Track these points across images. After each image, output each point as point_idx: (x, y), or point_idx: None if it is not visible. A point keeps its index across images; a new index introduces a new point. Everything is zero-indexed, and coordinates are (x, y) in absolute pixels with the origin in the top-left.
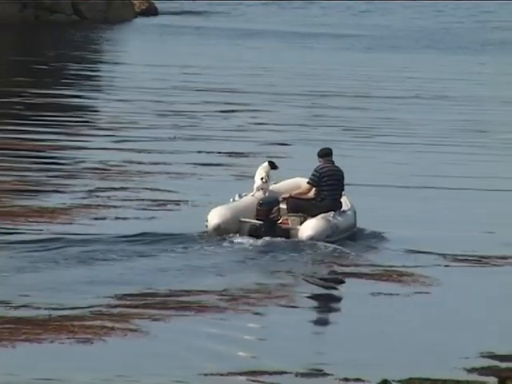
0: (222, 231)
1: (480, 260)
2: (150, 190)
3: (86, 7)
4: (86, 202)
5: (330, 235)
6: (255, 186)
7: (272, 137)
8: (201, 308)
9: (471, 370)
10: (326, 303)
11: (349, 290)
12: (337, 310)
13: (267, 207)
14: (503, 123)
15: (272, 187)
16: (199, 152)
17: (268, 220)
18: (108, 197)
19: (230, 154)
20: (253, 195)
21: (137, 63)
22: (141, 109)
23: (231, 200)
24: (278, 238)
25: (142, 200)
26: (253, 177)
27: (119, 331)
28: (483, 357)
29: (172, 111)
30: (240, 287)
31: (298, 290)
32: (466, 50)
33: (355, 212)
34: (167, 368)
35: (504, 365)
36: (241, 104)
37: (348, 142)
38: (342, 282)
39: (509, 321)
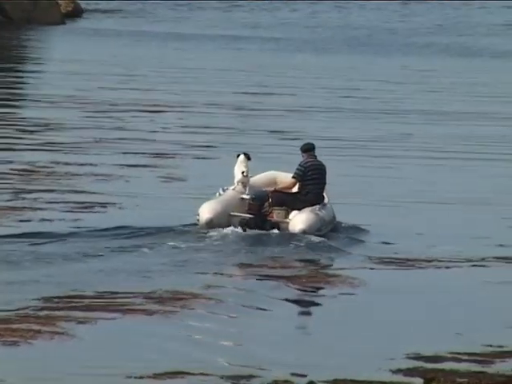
0: (213, 225)
1: (405, 262)
2: (77, 191)
3: (10, 7)
4: (11, 204)
5: (319, 228)
6: (236, 179)
7: (198, 139)
8: (128, 310)
9: (397, 371)
10: (252, 304)
11: (277, 290)
12: (263, 310)
13: (259, 202)
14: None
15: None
16: (125, 153)
17: (259, 214)
18: (34, 199)
19: (157, 156)
20: (234, 189)
21: (61, 63)
22: (67, 110)
23: (217, 194)
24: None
25: (68, 202)
26: (179, 178)
27: (46, 334)
28: (409, 358)
29: (98, 112)
30: (168, 289)
31: (227, 291)
32: (392, 51)
33: (332, 205)
34: (93, 370)
35: (429, 366)
36: (167, 106)
37: (276, 145)
38: (271, 282)
39: (434, 322)
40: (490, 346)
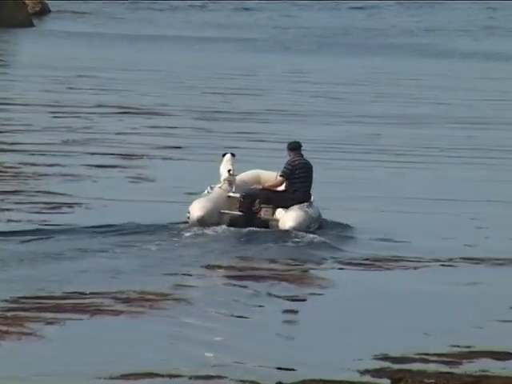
0: (204, 223)
1: (373, 263)
2: (44, 192)
3: None
4: None
5: (308, 226)
6: (222, 178)
7: (166, 140)
8: (96, 311)
9: (364, 372)
10: (221, 305)
11: (245, 290)
12: (231, 312)
13: (250, 200)
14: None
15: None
16: (93, 154)
17: (249, 212)
18: (1, 200)
19: (125, 157)
20: (220, 187)
21: (29, 66)
22: (35, 112)
23: (205, 192)
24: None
25: (36, 203)
26: (148, 179)
27: (14, 335)
28: (376, 359)
29: (66, 113)
30: (136, 289)
31: (196, 292)
32: (357, 52)
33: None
34: (61, 371)
35: (397, 366)
36: (135, 107)
37: (245, 148)
38: (240, 281)
39: (401, 323)
40: (458, 346)
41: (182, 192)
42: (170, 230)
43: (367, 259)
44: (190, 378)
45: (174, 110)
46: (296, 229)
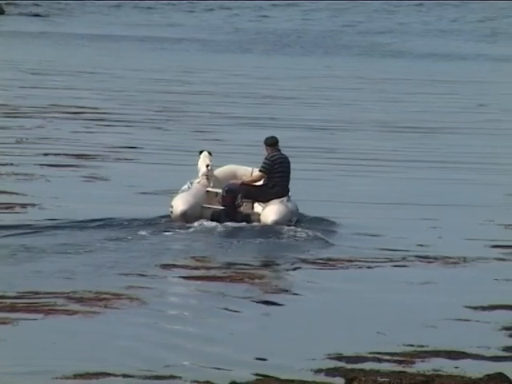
0: (188, 217)
1: (327, 262)
2: None
3: None
4: None
5: (290, 219)
6: (200, 173)
7: (120, 139)
8: (50, 310)
9: (318, 371)
10: (175, 304)
11: (199, 290)
12: (186, 310)
13: (232, 194)
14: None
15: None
16: (46, 154)
17: (232, 206)
18: None
19: (79, 156)
20: (198, 182)
21: None
22: None
23: (186, 187)
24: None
25: None
26: (102, 178)
27: None
28: (330, 358)
29: (19, 113)
30: (90, 289)
31: (150, 292)
32: (315, 52)
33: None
34: (15, 370)
35: (351, 366)
36: (89, 107)
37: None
38: (195, 281)
39: (355, 322)
40: (411, 345)
41: (136, 192)
42: (125, 228)
43: (321, 259)
44: (144, 378)
45: (129, 109)
46: (278, 223)
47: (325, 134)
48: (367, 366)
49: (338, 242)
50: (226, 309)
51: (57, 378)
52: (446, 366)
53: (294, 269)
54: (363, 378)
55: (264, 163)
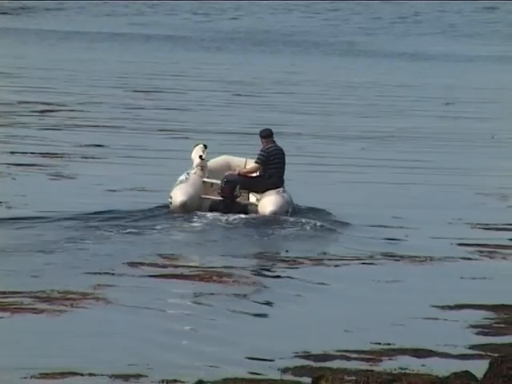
0: (187, 208)
1: (295, 261)
2: None
3: None
4: None
5: (287, 210)
6: (194, 164)
7: (88, 138)
8: (16, 309)
9: (285, 370)
10: (142, 302)
11: (166, 288)
12: (153, 308)
13: (231, 185)
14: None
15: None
16: (13, 152)
17: (231, 197)
18: None
19: (45, 155)
20: (195, 173)
21: None
22: None
23: (184, 178)
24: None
25: None
26: (68, 176)
27: None
28: (297, 357)
29: None
30: (57, 288)
31: (117, 290)
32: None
33: None
34: None
35: (318, 364)
36: (56, 105)
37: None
38: (162, 279)
39: (322, 320)
40: (378, 343)
41: (103, 189)
42: (92, 227)
43: (288, 257)
44: (111, 376)
45: (96, 108)
46: (277, 213)
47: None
48: (334, 364)
49: (304, 241)
50: (190, 306)
51: (25, 378)
52: (413, 365)
53: (262, 268)
54: (330, 377)
55: (260, 155)
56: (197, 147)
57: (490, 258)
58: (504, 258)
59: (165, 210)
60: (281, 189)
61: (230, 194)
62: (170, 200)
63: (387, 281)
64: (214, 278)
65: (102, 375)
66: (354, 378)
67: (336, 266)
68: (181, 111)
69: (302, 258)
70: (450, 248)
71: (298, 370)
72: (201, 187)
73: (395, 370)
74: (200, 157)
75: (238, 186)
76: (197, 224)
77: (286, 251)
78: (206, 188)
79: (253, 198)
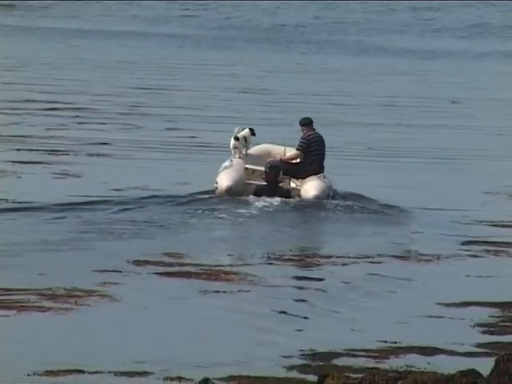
0: (232, 192)
1: (304, 259)
2: None
3: None
4: None
5: (328, 194)
6: (231, 146)
7: (93, 136)
8: (22, 307)
9: (291, 368)
10: (148, 300)
11: (171, 286)
12: (159, 306)
13: (275, 170)
14: None
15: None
16: (19, 150)
17: (274, 182)
18: None
19: (50, 153)
20: (236, 158)
21: None
22: None
23: (228, 164)
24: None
25: None
26: (74, 175)
27: None
28: (304, 354)
29: None
30: (63, 286)
31: (123, 288)
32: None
33: None
34: None
35: (324, 362)
36: (63, 102)
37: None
38: (167, 278)
39: (329, 319)
40: (385, 342)
41: (108, 188)
42: (97, 225)
43: (296, 255)
44: (116, 374)
45: (102, 106)
46: (319, 197)
47: None
48: (340, 362)
49: (309, 239)
50: (196, 305)
51: (28, 375)
52: (419, 362)
53: (269, 264)
54: (336, 375)
55: (301, 142)
56: (243, 131)
57: (497, 255)
58: (510, 256)
59: (177, 208)
60: (322, 174)
61: (274, 179)
62: (215, 185)
63: (394, 278)
64: (221, 275)
65: (107, 372)
66: (360, 375)
67: (344, 264)
68: (188, 109)
69: (309, 255)
70: (457, 246)
71: (304, 368)
72: (244, 173)
73: (401, 367)
74: (235, 138)
75: (281, 172)
76: (216, 220)
77: (291, 250)
78: (248, 174)
79: (293, 183)
